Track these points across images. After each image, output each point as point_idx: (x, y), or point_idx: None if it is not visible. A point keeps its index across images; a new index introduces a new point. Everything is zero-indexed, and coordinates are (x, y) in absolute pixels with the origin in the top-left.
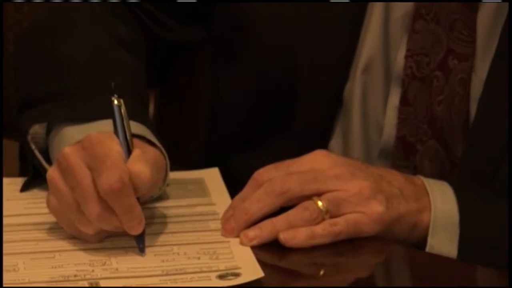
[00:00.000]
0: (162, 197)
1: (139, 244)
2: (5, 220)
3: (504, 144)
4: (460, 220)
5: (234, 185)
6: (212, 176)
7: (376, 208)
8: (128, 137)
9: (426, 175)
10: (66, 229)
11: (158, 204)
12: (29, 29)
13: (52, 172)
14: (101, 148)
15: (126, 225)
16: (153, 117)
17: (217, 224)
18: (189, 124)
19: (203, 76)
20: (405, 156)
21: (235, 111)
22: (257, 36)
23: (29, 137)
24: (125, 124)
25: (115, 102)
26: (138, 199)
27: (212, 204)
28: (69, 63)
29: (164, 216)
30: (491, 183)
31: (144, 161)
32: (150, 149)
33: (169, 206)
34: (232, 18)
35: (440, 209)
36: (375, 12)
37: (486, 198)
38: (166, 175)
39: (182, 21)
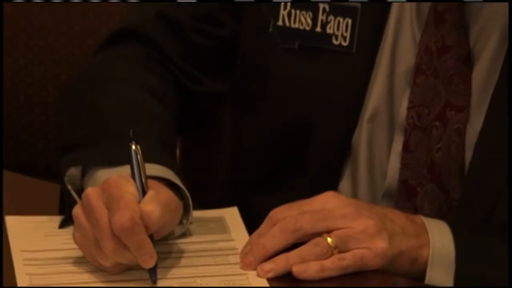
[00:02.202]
0: (186, 233)
1: (152, 276)
2: (45, 254)
3: (498, 189)
4: (456, 256)
5: (252, 222)
6: (231, 215)
7: (380, 244)
8: (143, 180)
9: (426, 215)
10: (90, 260)
11: (182, 240)
12: (73, 80)
13: (77, 210)
14: (117, 190)
15: (139, 260)
16: (179, 161)
17: (236, 258)
18: (211, 167)
19: (225, 123)
20: (407, 198)
21: (253, 155)
22: (275, 89)
23: (66, 179)
24: (140, 168)
25: (133, 147)
26: (151, 236)
27: (231, 240)
28: (104, 113)
29: (188, 251)
30: (485, 223)
31: (156, 202)
32: (164, 191)
33: (193, 242)
34: (252, 72)
35: (438, 245)
36: (381, 67)
37: (480, 236)
38: (189, 213)
39: (209, 74)
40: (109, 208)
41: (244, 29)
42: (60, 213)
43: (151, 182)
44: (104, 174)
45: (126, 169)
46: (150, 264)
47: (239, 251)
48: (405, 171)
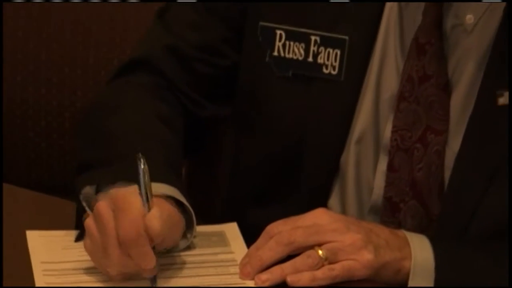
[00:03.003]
0: (190, 246)
1: (153, 284)
2: (62, 265)
3: (474, 205)
4: (435, 267)
5: (250, 235)
6: (231, 229)
7: (367, 256)
8: (149, 196)
9: (408, 229)
10: (98, 267)
11: (187, 252)
12: (88, 107)
13: (89, 220)
14: (124, 203)
15: (142, 269)
16: (184, 180)
17: (236, 269)
18: (214, 185)
19: (226, 145)
20: (391, 213)
21: (251, 174)
22: (271, 113)
23: (81, 196)
24: (147, 185)
25: (141, 166)
26: (153, 248)
27: (231, 252)
28: (116, 137)
29: (192, 262)
30: (463, 236)
31: (159, 217)
32: (168, 207)
33: (196, 254)
34: (250, 98)
35: (419, 257)
36: (368, 94)
37: (458, 249)
38: (192, 228)
39: (212, 100)
40: (116, 219)
41: (243, 58)
42: (76, 228)
43: (156, 199)
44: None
45: (136, 187)
46: (151, 273)
47: (239, 262)
48: (390, 189)
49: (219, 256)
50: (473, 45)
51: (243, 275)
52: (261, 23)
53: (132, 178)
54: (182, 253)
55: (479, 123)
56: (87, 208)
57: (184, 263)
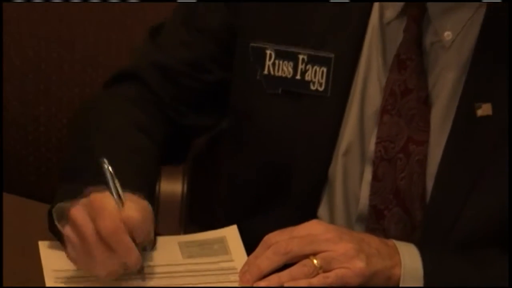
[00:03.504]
0: (193, 255)
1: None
2: (71, 273)
3: (456, 212)
4: (424, 273)
5: (245, 244)
6: (232, 234)
7: (359, 264)
8: (120, 192)
9: (392, 236)
10: (85, 272)
11: (189, 261)
12: (74, 115)
13: (66, 229)
14: (99, 203)
15: (127, 261)
16: (187, 191)
17: (236, 277)
18: (212, 197)
19: (223, 159)
20: (376, 220)
21: (245, 187)
22: (262, 128)
23: (53, 210)
24: (114, 181)
25: (105, 166)
26: (136, 243)
27: (232, 260)
28: (92, 148)
29: (195, 271)
30: (447, 242)
31: (134, 209)
32: (139, 200)
33: (199, 263)
34: (242, 113)
35: (408, 265)
36: (353, 108)
37: (444, 256)
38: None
39: (194, 110)
40: (93, 220)
41: (234, 76)
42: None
43: (127, 194)
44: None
45: (106, 191)
46: (137, 264)
47: (238, 270)
48: (374, 197)
49: (220, 264)
50: (452, 60)
51: (243, 282)
52: (252, 44)
53: (100, 183)
54: (184, 262)
55: (459, 133)
56: (56, 222)
57: (186, 271)
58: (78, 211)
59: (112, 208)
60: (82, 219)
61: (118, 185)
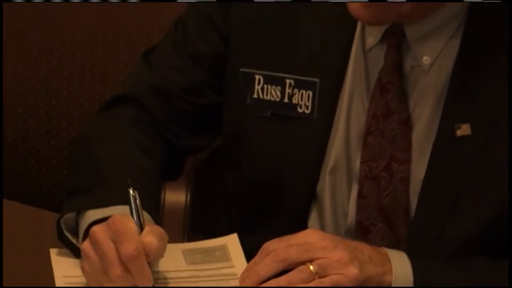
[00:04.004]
0: (196, 262)
1: None
2: (81, 279)
3: (439, 227)
4: (414, 280)
5: (245, 252)
6: (232, 242)
7: (353, 271)
8: (141, 218)
9: None
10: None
11: (193, 268)
12: (77, 137)
13: (85, 245)
14: (121, 226)
15: (139, 282)
16: (190, 202)
17: (236, 282)
18: (215, 208)
19: (220, 177)
20: (362, 235)
21: (239, 203)
22: (252, 148)
23: (62, 220)
24: (139, 208)
25: (131, 193)
26: (149, 263)
27: (232, 267)
28: (99, 165)
29: (198, 276)
30: (430, 255)
31: (153, 235)
32: (156, 226)
33: (201, 269)
34: (233, 134)
35: (399, 272)
36: (339, 130)
37: (432, 263)
38: None
39: (189, 131)
40: (115, 241)
41: (226, 100)
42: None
43: (145, 220)
44: (94, 214)
45: (112, 209)
46: (148, 285)
47: (239, 276)
48: (360, 214)
49: (221, 270)
50: (431, 83)
51: None
52: (242, 69)
53: (108, 202)
54: (187, 269)
55: (440, 153)
56: (65, 232)
57: (190, 277)
58: (100, 230)
59: (133, 231)
60: (103, 239)
61: (141, 210)
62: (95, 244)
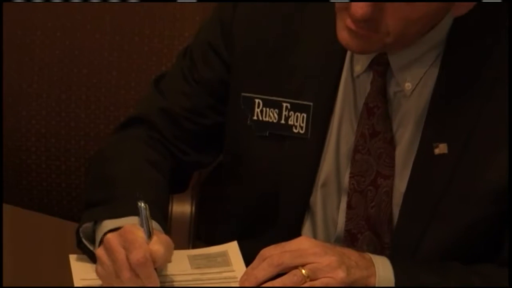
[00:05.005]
0: (200, 266)
1: None
2: (97, 282)
3: (419, 236)
4: (395, 282)
5: (244, 257)
6: (233, 248)
7: (341, 274)
8: (151, 228)
9: None
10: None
11: (197, 271)
12: (94, 154)
13: (100, 251)
14: (131, 235)
15: (147, 285)
16: (195, 213)
17: (236, 285)
18: (217, 218)
19: (223, 190)
20: (351, 242)
21: (239, 214)
22: (251, 165)
23: (81, 229)
24: (148, 219)
25: (142, 205)
26: (155, 268)
27: (233, 271)
28: (114, 180)
29: (201, 279)
30: (412, 259)
31: (159, 243)
32: (163, 235)
33: (205, 273)
34: (234, 152)
35: (382, 275)
36: (330, 148)
37: (413, 267)
38: None
39: (195, 149)
40: (125, 248)
41: (228, 121)
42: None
43: (153, 230)
44: (109, 224)
45: (125, 220)
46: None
47: (238, 279)
48: (349, 223)
49: (223, 274)
50: (412, 107)
51: None
52: (243, 94)
53: (124, 213)
54: (192, 272)
55: (420, 169)
56: (83, 240)
57: (195, 280)
58: (113, 238)
59: (142, 240)
60: (116, 246)
61: (150, 220)
62: (108, 251)
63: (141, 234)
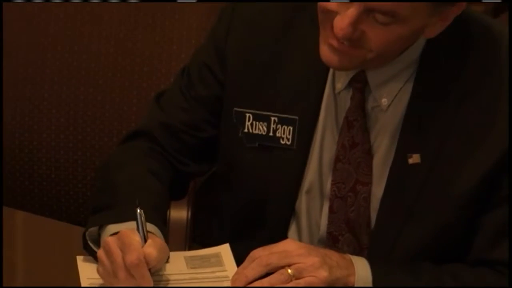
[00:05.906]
0: (195, 266)
1: None
2: (101, 281)
3: (395, 236)
4: (372, 280)
5: (235, 258)
6: (225, 250)
7: (323, 274)
8: (145, 232)
9: None
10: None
11: (193, 271)
12: (101, 164)
13: (100, 252)
14: (127, 238)
15: (141, 285)
16: (191, 218)
17: (228, 283)
18: (211, 223)
19: (216, 197)
20: (332, 243)
21: (230, 218)
22: (242, 174)
23: (87, 233)
24: (143, 224)
25: (138, 211)
26: (150, 270)
27: (225, 271)
28: (118, 188)
29: (197, 278)
30: (387, 260)
31: (153, 247)
32: (158, 239)
33: (200, 272)
34: (227, 162)
35: (360, 274)
36: (313, 158)
37: (388, 267)
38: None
39: (193, 160)
40: (122, 250)
41: (221, 134)
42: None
43: (149, 234)
44: (113, 228)
45: (128, 224)
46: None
47: (230, 278)
48: (331, 226)
49: (216, 274)
50: (388, 120)
51: None
52: (235, 109)
53: (126, 218)
54: (187, 272)
55: (395, 177)
56: (89, 242)
57: (190, 279)
58: (111, 241)
59: (137, 243)
60: (113, 248)
61: (145, 226)
62: (107, 253)
63: (137, 237)
